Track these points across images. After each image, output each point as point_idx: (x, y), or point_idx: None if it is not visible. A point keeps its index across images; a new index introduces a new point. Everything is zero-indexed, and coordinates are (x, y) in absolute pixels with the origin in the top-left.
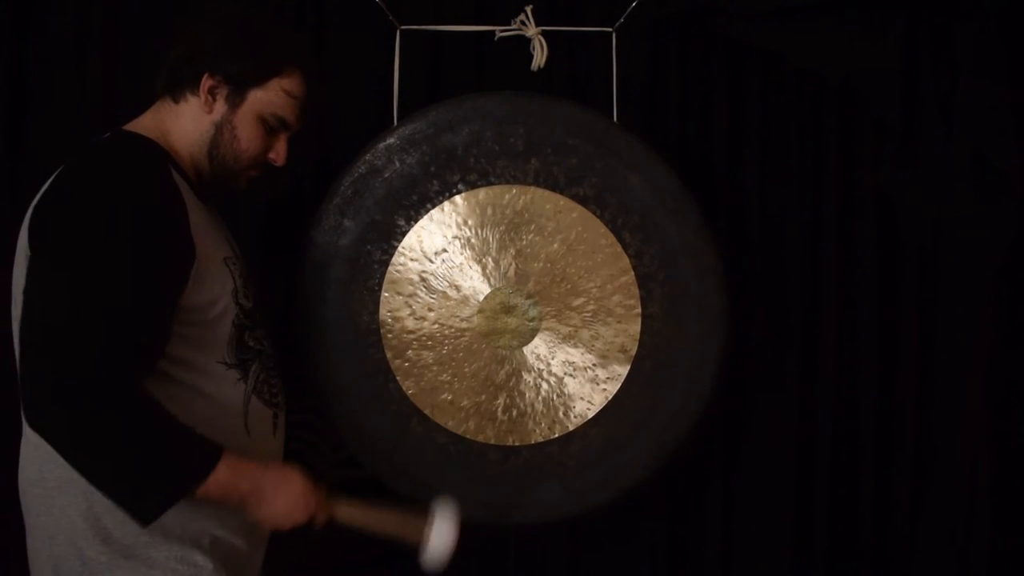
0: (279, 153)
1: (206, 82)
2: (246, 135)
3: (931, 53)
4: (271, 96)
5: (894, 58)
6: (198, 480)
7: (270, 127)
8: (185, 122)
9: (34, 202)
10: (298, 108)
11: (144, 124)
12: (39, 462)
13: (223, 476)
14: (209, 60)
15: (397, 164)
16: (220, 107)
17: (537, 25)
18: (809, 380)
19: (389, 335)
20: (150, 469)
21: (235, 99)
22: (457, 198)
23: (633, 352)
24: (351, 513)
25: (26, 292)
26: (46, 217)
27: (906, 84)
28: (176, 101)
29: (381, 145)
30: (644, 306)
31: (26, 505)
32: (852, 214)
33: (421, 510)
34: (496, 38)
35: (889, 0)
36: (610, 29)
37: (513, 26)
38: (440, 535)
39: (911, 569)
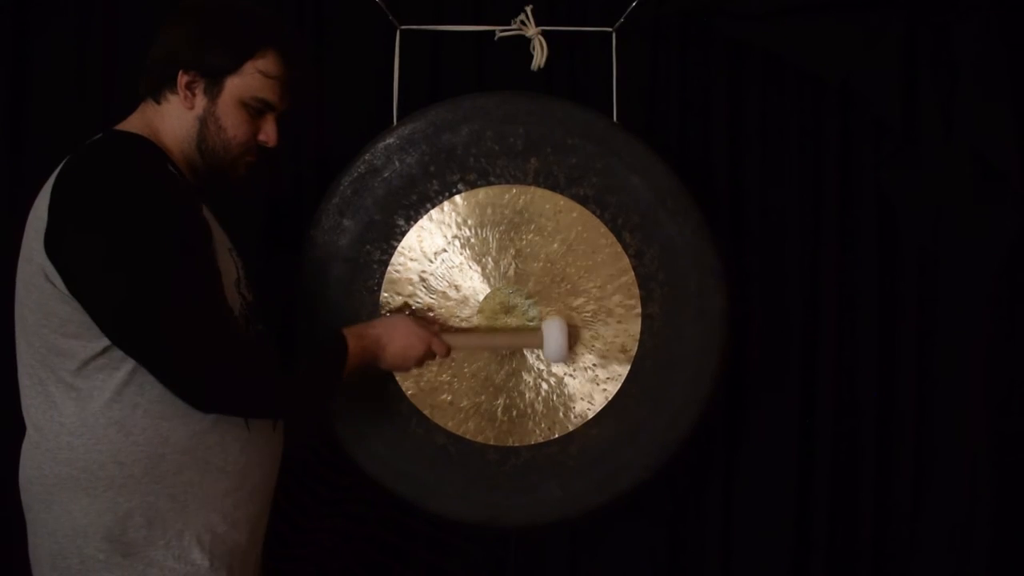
0: (269, 134)
1: (182, 79)
2: (231, 123)
3: (931, 53)
4: (248, 80)
5: (894, 58)
6: (343, 368)
7: (254, 110)
8: (171, 121)
9: (40, 214)
10: (279, 87)
11: (134, 125)
12: (39, 460)
13: (355, 348)
14: (182, 56)
15: (396, 164)
16: (200, 101)
17: (537, 25)
18: (809, 380)
19: None
20: (320, 384)
21: (213, 90)
22: (457, 198)
23: (633, 352)
24: (466, 340)
25: (99, 312)
26: (68, 229)
27: (906, 84)
28: (158, 102)
29: (380, 145)
30: (644, 306)
31: (27, 502)
32: (852, 214)
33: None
34: (496, 38)
35: (889, 0)
36: (610, 29)
37: (513, 26)
38: (552, 332)
39: (911, 569)
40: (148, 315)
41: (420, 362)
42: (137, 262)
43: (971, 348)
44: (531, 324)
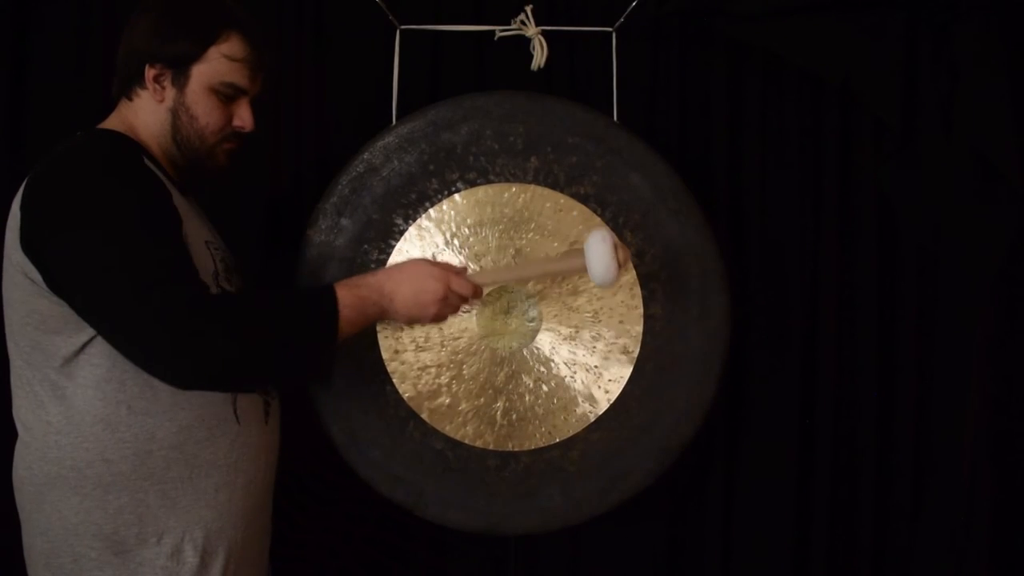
0: (244, 119)
1: (149, 72)
2: (202, 111)
3: (931, 53)
4: (214, 66)
5: (894, 58)
6: (335, 320)
7: (225, 96)
8: (145, 116)
9: (15, 212)
10: (247, 69)
11: (112, 123)
12: (29, 459)
13: (348, 299)
14: (146, 51)
15: (395, 163)
16: (169, 92)
17: (537, 25)
18: (809, 380)
19: (385, 337)
20: (295, 335)
21: (180, 80)
22: (456, 196)
23: (635, 353)
24: (496, 276)
25: (74, 298)
26: (41, 225)
27: (906, 84)
28: (131, 99)
29: (379, 144)
30: (646, 306)
31: (20, 502)
32: (852, 214)
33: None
34: (496, 38)
35: (889, 0)
36: (610, 29)
37: (513, 26)
38: (597, 249)
39: (911, 569)
40: (121, 299)
41: (443, 308)
42: (107, 246)
43: (971, 348)
44: (572, 245)
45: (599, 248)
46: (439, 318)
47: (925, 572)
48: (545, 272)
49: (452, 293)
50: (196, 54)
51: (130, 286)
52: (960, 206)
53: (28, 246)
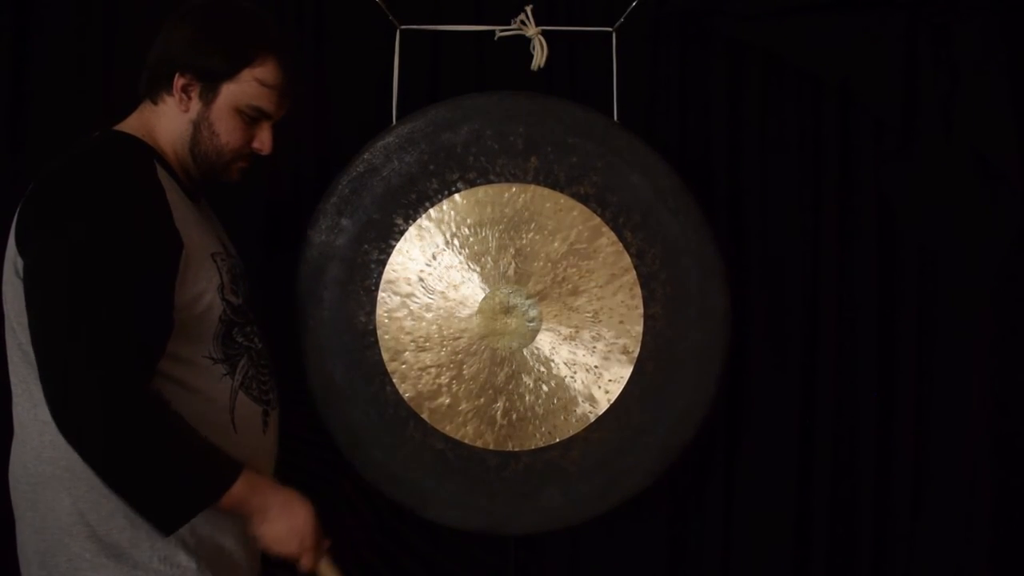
0: (263, 142)
1: (178, 81)
2: (224, 129)
3: (931, 53)
4: (244, 87)
5: (894, 58)
6: (219, 494)
7: (249, 118)
8: (166, 122)
9: (20, 207)
10: (275, 96)
11: (131, 125)
12: (24, 458)
13: (239, 491)
14: (179, 59)
15: (396, 163)
16: (195, 105)
17: (537, 25)
18: (809, 380)
19: (386, 336)
20: (172, 480)
21: (208, 95)
22: (456, 197)
23: (636, 353)
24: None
25: (28, 303)
26: (33, 224)
27: (906, 84)
28: (155, 103)
29: (379, 144)
30: (646, 306)
31: (15, 500)
32: (852, 214)
33: None
34: (496, 38)
35: (889, 0)
36: (610, 29)
37: (513, 26)
38: None
39: (911, 569)
40: (55, 327)
41: (282, 553)
42: (72, 273)
43: (971, 348)
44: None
45: None
46: (269, 552)
47: (925, 572)
48: None
49: (299, 555)
50: (229, 73)
51: (78, 348)
52: (960, 206)
53: (20, 245)
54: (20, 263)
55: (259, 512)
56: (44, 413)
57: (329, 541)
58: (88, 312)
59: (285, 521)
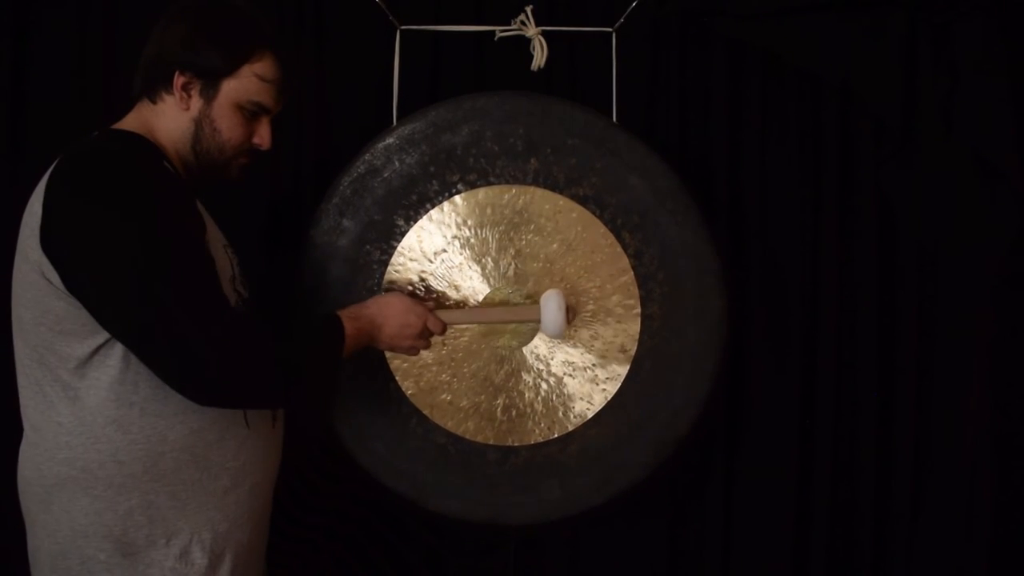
0: (263, 137)
1: (178, 80)
2: (226, 126)
3: (931, 53)
4: (244, 83)
5: (894, 58)
6: (343, 347)
7: (250, 113)
8: (166, 121)
9: (35, 210)
10: (274, 91)
11: (131, 124)
12: (37, 460)
13: (350, 330)
14: (177, 57)
15: (396, 164)
16: (196, 102)
17: (537, 25)
18: (809, 380)
19: None
20: (318, 367)
21: (209, 92)
22: (456, 198)
23: (633, 352)
24: (461, 316)
25: (101, 301)
26: (70, 226)
27: (906, 84)
28: (154, 102)
29: (380, 145)
30: (644, 306)
31: (25, 504)
32: (852, 214)
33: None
34: (496, 38)
35: (889, 0)
36: (610, 29)
37: (513, 26)
38: (550, 306)
39: (911, 569)
40: (148, 309)
41: (418, 341)
42: (135, 255)
43: (971, 348)
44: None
45: (552, 306)
46: (413, 350)
47: (925, 572)
48: (504, 319)
49: (427, 329)
50: (229, 70)
51: (182, 314)
52: (960, 206)
53: (48, 246)
54: (46, 264)
55: (370, 332)
56: (59, 414)
57: (433, 303)
58: (177, 281)
59: (392, 318)
